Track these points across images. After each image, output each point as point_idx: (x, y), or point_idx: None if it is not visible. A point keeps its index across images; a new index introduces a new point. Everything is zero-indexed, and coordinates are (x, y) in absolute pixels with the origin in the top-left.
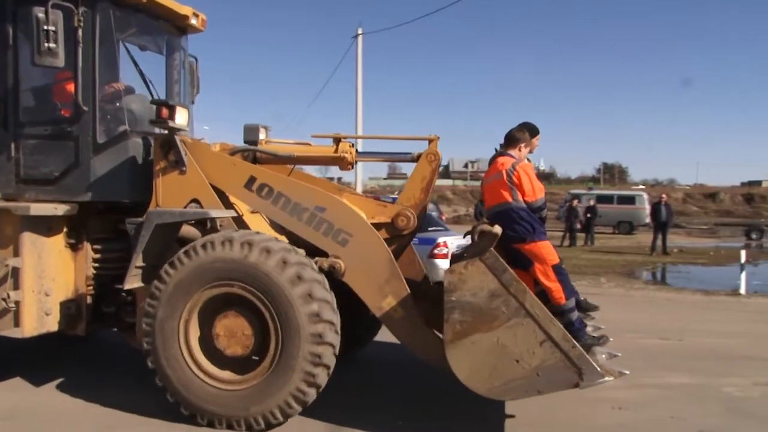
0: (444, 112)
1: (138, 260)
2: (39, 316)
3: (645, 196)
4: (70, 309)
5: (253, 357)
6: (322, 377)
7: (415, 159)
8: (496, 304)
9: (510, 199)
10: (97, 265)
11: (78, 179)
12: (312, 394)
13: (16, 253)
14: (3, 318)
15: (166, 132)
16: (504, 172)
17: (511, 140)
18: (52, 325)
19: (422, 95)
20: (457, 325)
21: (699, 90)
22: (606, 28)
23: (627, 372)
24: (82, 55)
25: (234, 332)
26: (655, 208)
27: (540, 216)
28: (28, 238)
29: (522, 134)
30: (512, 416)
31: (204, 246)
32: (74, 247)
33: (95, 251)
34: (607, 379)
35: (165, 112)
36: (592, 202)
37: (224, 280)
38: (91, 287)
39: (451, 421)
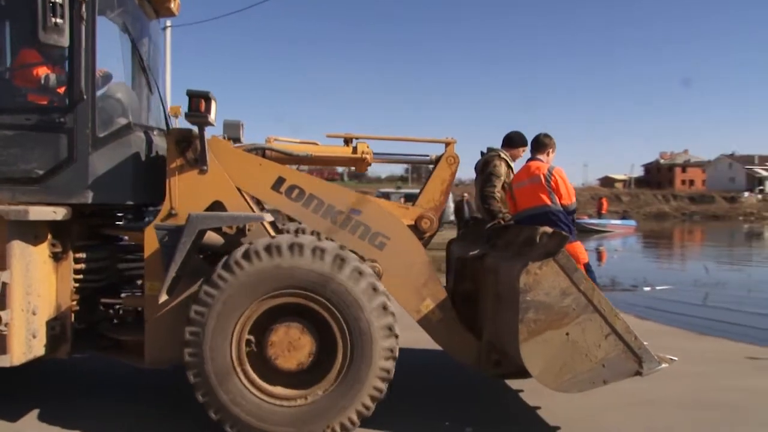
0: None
1: (174, 270)
2: (27, 340)
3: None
4: (54, 329)
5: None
6: (393, 371)
7: (433, 162)
8: (567, 302)
9: (549, 202)
10: (79, 276)
11: (73, 178)
12: (384, 389)
13: (2, 266)
14: None
15: (182, 126)
16: (542, 176)
17: (540, 146)
18: (38, 349)
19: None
20: (532, 324)
21: (500, 91)
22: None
23: (676, 359)
24: (85, 34)
25: (292, 344)
26: (458, 206)
27: (572, 218)
28: (17, 248)
29: (549, 140)
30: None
31: (269, 251)
32: (57, 257)
33: (77, 261)
34: (663, 365)
35: (203, 104)
36: (402, 201)
37: (288, 289)
38: (74, 302)
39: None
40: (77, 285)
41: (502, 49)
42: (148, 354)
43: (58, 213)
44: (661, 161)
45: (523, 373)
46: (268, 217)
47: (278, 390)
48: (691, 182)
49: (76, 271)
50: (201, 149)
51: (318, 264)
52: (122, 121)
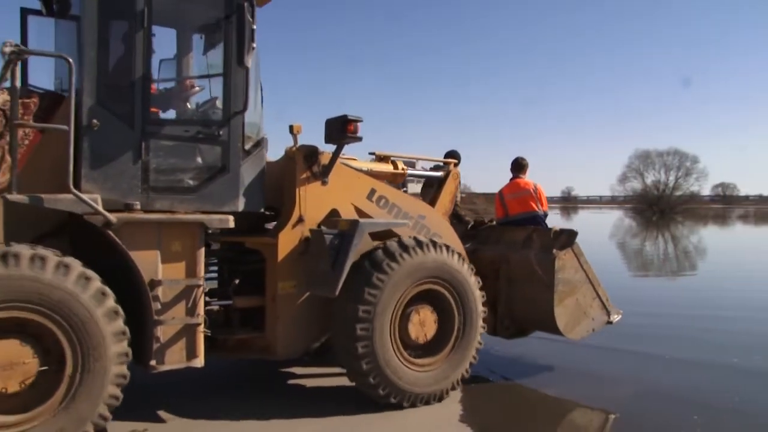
0: None
1: (348, 268)
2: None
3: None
4: None
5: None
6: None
7: (443, 178)
8: (577, 277)
9: (536, 209)
10: None
11: (226, 187)
12: (482, 342)
13: (191, 272)
14: (172, 348)
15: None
16: (531, 190)
17: (521, 167)
18: None
19: None
20: (561, 294)
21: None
22: None
23: (622, 311)
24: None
25: (424, 321)
26: None
27: (545, 220)
28: (202, 254)
29: (526, 162)
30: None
31: (413, 249)
32: None
33: None
34: (619, 317)
35: (359, 127)
36: None
37: (429, 278)
38: None
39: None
40: None
41: None
42: (281, 347)
43: (231, 221)
44: None
45: (522, 334)
46: (410, 223)
47: (419, 360)
48: None
49: None
50: (330, 164)
51: (452, 259)
52: (261, 134)
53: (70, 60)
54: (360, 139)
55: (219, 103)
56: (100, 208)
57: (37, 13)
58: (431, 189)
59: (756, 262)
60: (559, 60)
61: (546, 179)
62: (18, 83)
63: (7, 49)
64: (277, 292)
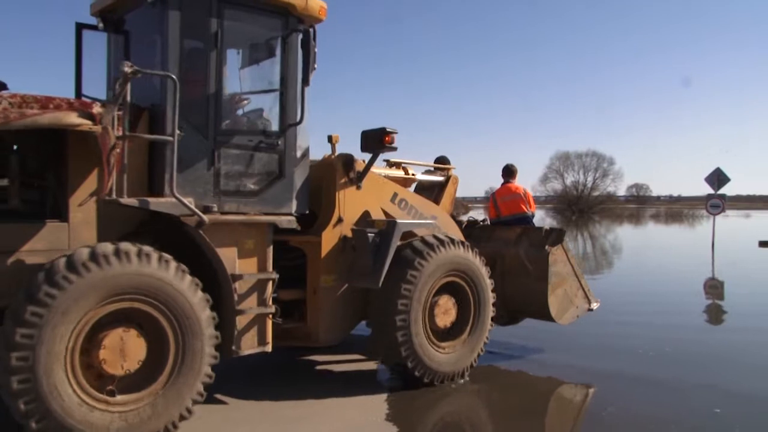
0: None
1: (388, 263)
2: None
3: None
4: None
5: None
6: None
7: (443, 183)
8: (565, 270)
9: (526, 210)
10: None
11: (282, 191)
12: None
13: (262, 267)
14: (247, 335)
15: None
16: (521, 193)
17: (511, 173)
18: None
19: None
20: (553, 284)
21: None
22: None
23: (599, 300)
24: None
25: (447, 309)
26: None
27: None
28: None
29: (516, 168)
30: None
31: (440, 245)
32: None
33: None
34: (598, 305)
35: (395, 139)
36: None
37: (453, 271)
38: None
39: None
40: None
41: None
42: (322, 335)
43: (293, 222)
44: None
45: (514, 321)
46: (436, 223)
47: (443, 343)
48: None
49: None
50: (365, 170)
51: (469, 254)
52: (305, 144)
53: (174, 77)
54: (395, 149)
55: (266, 114)
56: (196, 209)
57: (91, 27)
58: (426, 192)
59: (678, 264)
60: (478, 61)
61: (468, 180)
62: (129, 99)
63: (128, 69)
64: (319, 285)
